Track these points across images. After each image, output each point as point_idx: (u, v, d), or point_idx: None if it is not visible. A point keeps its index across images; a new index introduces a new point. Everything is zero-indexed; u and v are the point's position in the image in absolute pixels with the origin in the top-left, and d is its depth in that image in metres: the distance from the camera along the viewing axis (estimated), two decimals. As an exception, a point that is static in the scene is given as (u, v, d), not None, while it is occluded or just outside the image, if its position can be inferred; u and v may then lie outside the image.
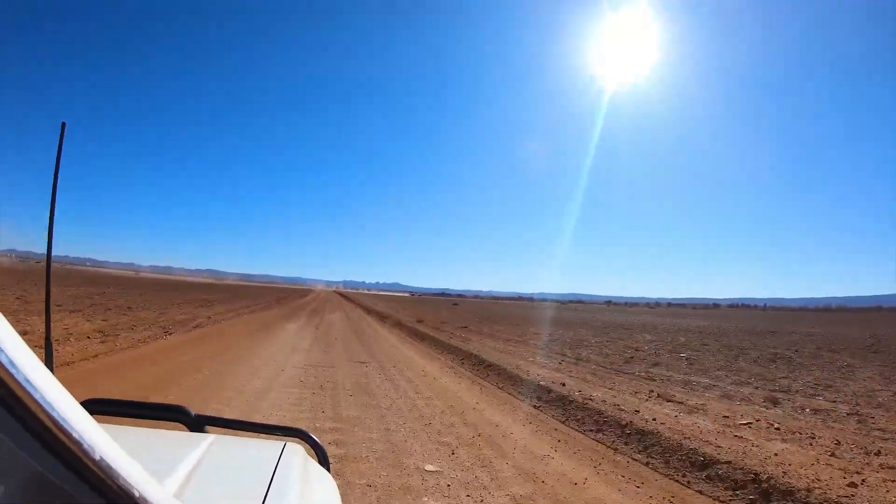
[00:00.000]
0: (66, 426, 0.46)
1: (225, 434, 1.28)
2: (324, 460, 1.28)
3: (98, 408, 1.24)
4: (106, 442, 0.50)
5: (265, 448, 1.14)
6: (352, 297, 68.85)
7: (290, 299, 44.94)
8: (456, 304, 63.13)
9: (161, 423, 1.32)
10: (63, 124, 1.52)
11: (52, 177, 1.50)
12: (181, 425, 1.29)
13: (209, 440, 1.11)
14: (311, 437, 1.28)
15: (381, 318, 25.99)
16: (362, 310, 34.23)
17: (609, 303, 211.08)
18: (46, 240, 1.49)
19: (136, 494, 0.52)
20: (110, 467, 0.49)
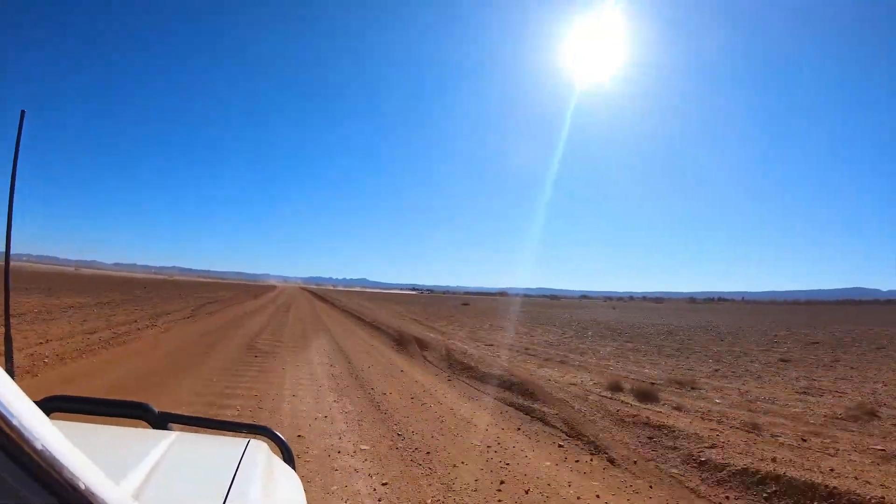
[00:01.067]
0: (5, 413, 0.44)
1: (188, 431, 1.27)
2: (288, 457, 1.27)
3: (57, 405, 1.22)
4: (50, 433, 0.48)
5: (228, 445, 1.13)
6: (329, 298, 46.74)
7: (226, 304, 25.96)
8: (466, 304, 50.32)
9: (125, 420, 1.31)
10: (22, 112, 1.44)
11: (11, 169, 1.43)
12: (144, 423, 1.27)
13: (171, 438, 1.09)
14: (275, 435, 1.27)
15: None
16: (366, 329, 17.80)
17: (584, 297, 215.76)
18: (5, 234, 1.43)
19: (82, 487, 0.49)
20: (54, 458, 0.47)
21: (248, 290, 63.57)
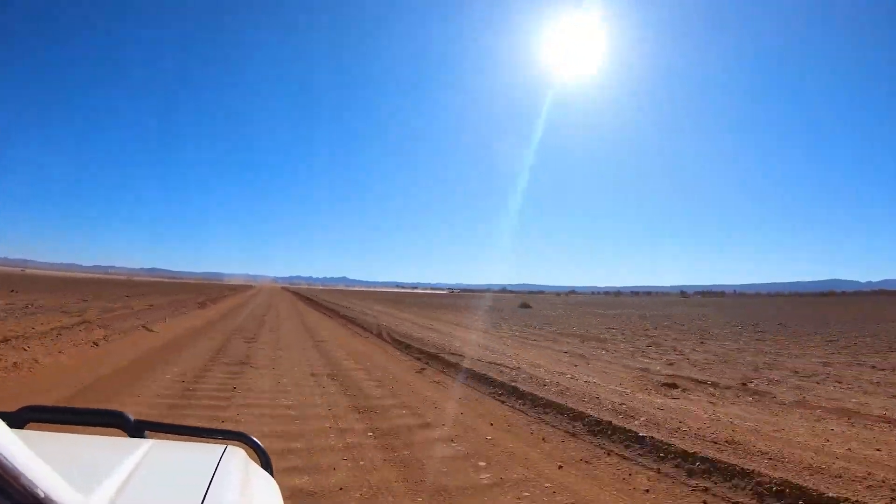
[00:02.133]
0: None
1: (164, 439, 1.20)
2: (266, 463, 1.21)
3: (32, 415, 1.17)
4: (8, 439, 0.48)
5: (205, 452, 1.08)
6: (316, 299, 39.51)
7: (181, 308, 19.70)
8: (527, 306, 38.14)
9: (101, 429, 1.22)
10: None
11: None
12: (120, 431, 1.20)
13: (147, 445, 1.03)
14: (252, 441, 1.22)
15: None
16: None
17: (572, 292, 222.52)
18: None
19: (41, 495, 0.49)
20: (12, 465, 0.47)
21: (205, 291, 43.26)
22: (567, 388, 6.41)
